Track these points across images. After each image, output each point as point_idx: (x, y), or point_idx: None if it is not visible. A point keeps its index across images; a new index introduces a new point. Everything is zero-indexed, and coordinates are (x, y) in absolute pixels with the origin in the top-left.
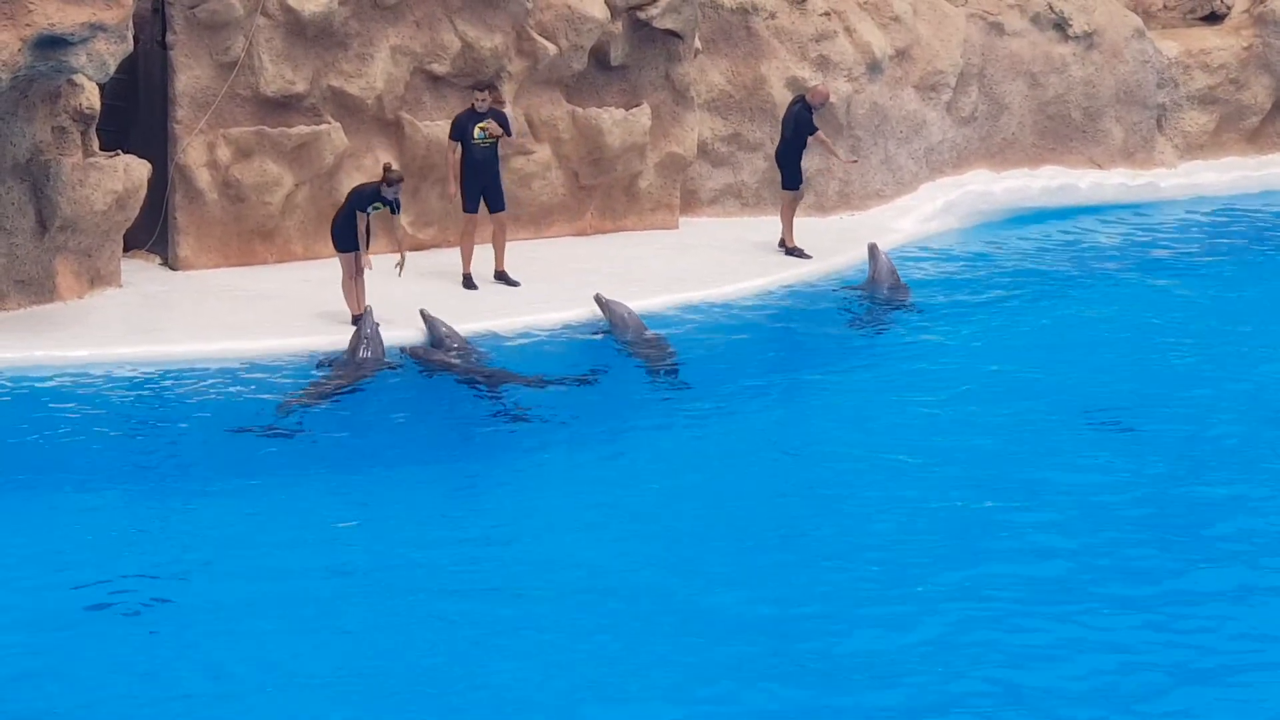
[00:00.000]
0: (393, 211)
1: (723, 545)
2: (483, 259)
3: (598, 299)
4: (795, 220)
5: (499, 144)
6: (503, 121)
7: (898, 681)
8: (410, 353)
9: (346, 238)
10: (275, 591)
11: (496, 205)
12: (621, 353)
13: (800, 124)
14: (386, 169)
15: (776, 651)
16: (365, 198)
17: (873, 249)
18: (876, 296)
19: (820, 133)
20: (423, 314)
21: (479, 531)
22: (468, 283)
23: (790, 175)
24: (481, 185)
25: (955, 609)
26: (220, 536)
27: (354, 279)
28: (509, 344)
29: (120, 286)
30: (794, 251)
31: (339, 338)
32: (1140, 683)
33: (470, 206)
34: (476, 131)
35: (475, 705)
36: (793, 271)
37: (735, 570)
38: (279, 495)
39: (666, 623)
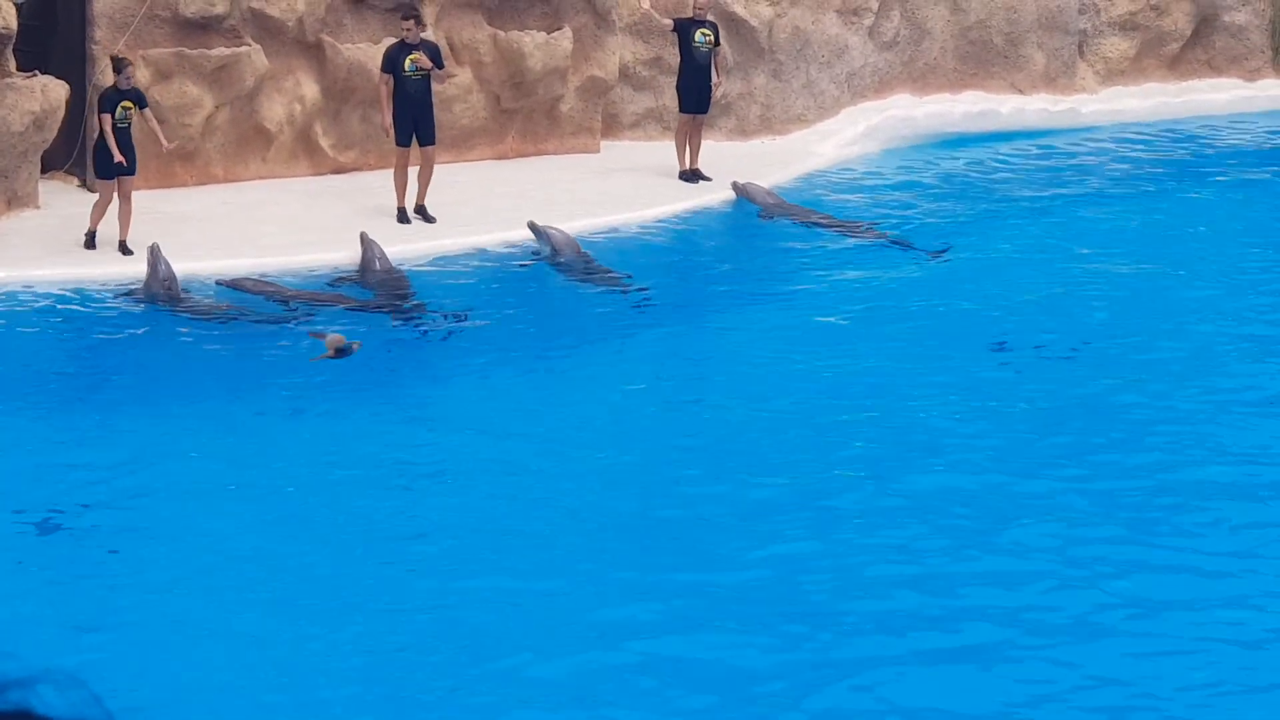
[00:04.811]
0: (140, 106)
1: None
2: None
3: (531, 225)
4: (718, 144)
5: (431, 76)
6: (434, 54)
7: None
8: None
9: (107, 158)
10: (198, 512)
11: (427, 139)
12: (563, 275)
13: (682, 42)
14: (111, 59)
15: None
16: (109, 101)
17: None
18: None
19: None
20: (362, 236)
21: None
22: (401, 217)
23: (681, 97)
24: (414, 118)
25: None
26: (139, 455)
27: (127, 202)
28: (421, 267)
29: (38, 208)
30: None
31: (261, 260)
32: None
33: (403, 140)
34: (407, 64)
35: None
36: (711, 196)
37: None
38: (202, 414)
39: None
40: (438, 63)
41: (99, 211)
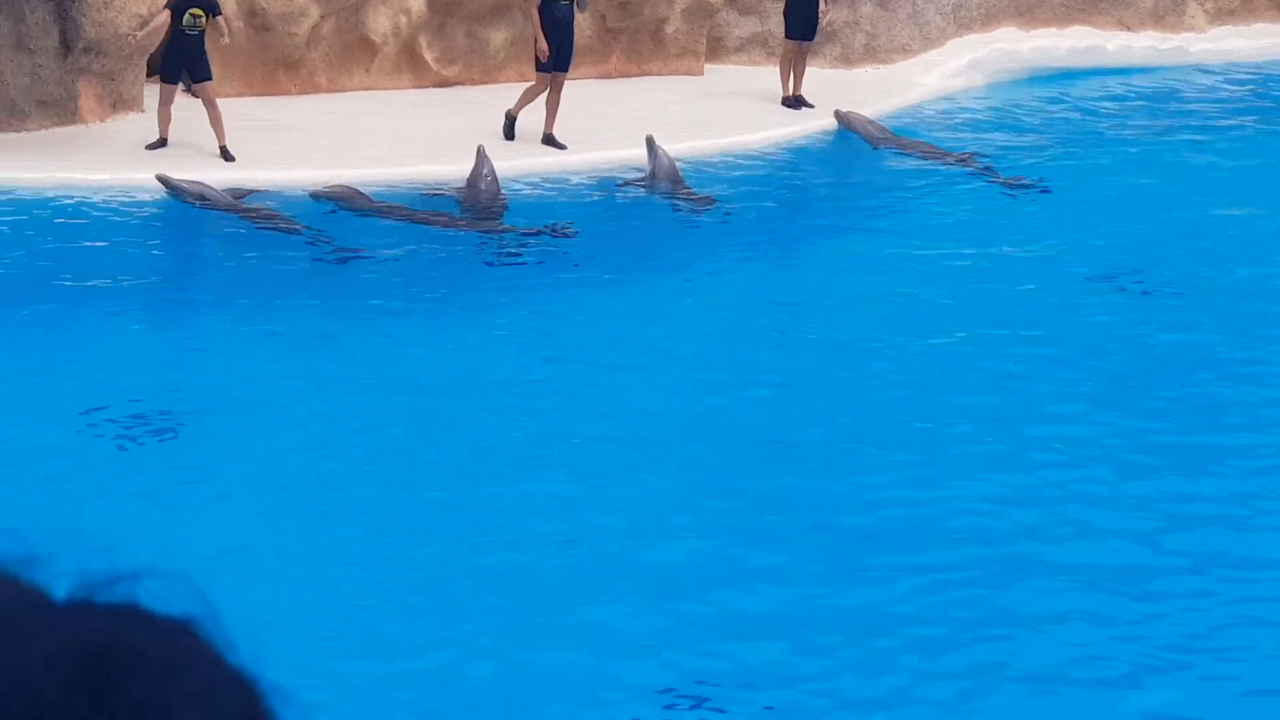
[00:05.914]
0: (211, 14)
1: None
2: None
3: (648, 140)
4: (821, 72)
5: (575, 4)
6: None
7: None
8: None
9: (173, 62)
10: (287, 410)
11: (563, 65)
12: (651, 194)
13: None
14: None
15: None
16: (180, 6)
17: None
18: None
19: None
20: (479, 150)
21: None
22: (509, 129)
23: (788, 23)
24: (558, 44)
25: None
26: (233, 356)
27: (214, 108)
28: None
29: (142, 111)
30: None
31: (361, 171)
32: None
33: (545, 66)
34: None
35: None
36: (814, 123)
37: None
38: (294, 318)
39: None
40: None
41: (163, 115)
